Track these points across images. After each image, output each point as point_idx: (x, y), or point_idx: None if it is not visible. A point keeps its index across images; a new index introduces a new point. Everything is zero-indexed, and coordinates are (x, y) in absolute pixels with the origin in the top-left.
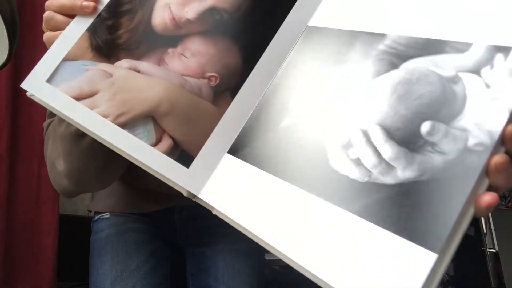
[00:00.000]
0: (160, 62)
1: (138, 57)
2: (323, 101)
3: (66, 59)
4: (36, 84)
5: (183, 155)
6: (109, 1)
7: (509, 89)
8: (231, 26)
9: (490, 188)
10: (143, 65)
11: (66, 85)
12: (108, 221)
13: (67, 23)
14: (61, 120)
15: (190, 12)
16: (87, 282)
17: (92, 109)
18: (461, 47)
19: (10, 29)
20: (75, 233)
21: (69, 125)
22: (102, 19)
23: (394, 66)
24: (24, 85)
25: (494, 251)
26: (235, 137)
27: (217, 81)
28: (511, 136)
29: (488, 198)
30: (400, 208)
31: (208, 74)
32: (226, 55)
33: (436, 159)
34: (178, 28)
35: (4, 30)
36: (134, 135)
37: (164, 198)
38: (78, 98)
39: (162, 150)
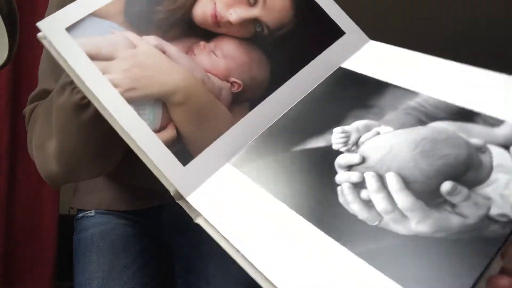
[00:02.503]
0: (189, 51)
1: (168, 39)
2: (340, 136)
3: (94, 14)
4: (53, 28)
5: (183, 151)
6: None
7: None
8: (269, 42)
9: (503, 271)
10: (170, 48)
11: (84, 40)
12: (93, 220)
13: None
14: (62, 90)
15: (234, 15)
16: None
17: (103, 73)
18: (493, 122)
19: (10, 29)
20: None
21: (71, 95)
22: None
23: (421, 123)
24: (40, 24)
25: None
26: (242, 149)
27: (239, 89)
28: None
29: (505, 282)
30: (411, 261)
31: (232, 79)
32: (256, 67)
33: (454, 220)
34: (217, 26)
35: (4, 30)
36: (139, 114)
37: (152, 195)
38: (93, 58)
39: (163, 139)
